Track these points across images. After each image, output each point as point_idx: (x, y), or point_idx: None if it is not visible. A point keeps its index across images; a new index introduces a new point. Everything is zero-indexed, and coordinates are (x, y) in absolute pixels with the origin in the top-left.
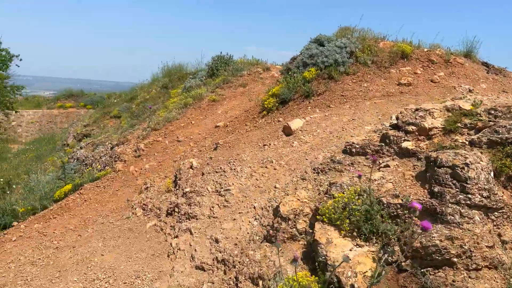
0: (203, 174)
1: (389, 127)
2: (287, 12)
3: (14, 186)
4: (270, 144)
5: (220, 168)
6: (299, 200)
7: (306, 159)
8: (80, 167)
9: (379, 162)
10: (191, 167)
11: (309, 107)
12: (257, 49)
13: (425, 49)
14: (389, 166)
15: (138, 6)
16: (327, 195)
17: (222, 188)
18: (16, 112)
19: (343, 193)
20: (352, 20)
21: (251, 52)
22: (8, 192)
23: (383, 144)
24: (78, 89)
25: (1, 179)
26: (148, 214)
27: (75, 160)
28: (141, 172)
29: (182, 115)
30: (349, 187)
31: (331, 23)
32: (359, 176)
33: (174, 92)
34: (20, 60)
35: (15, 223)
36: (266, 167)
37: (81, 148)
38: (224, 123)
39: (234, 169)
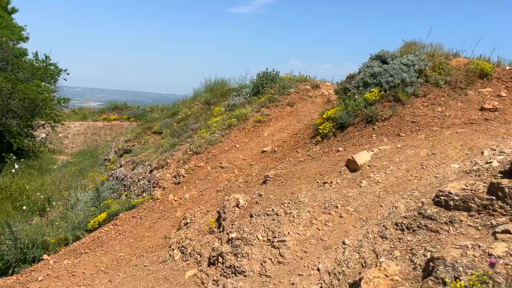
0: (251, 216)
1: (500, 175)
2: (325, 22)
3: (53, 204)
4: (331, 182)
5: (272, 210)
6: (387, 277)
7: (381, 206)
8: (118, 187)
9: (492, 223)
10: (237, 205)
11: (373, 135)
12: (300, 62)
13: (507, 67)
14: (510, 232)
15: (184, 22)
16: (432, 279)
17: (275, 237)
18: (62, 124)
19: (460, 281)
20: (395, 34)
21: (295, 66)
22: (48, 210)
23: (493, 197)
24: (122, 102)
25: (42, 196)
26: (187, 260)
27: (115, 178)
28: (181, 203)
29: (225, 138)
30: (467, 270)
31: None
32: (492, 265)
33: (217, 110)
34: (68, 74)
35: (45, 256)
36: (329, 213)
37: (121, 166)
38: (272, 148)
39: (290, 213)
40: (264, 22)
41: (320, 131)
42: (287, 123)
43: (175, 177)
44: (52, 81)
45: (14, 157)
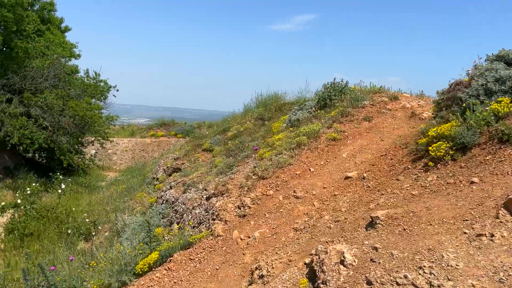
0: (369, 283)
1: None
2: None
3: (99, 227)
4: (492, 235)
5: (405, 278)
6: None
7: None
8: (168, 212)
9: None
10: (341, 262)
11: None
12: (346, 76)
13: None
14: None
15: (222, 41)
16: None
17: None
18: (111, 141)
19: None
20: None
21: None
22: (93, 234)
23: None
24: (170, 118)
25: (87, 219)
26: None
27: (164, 201)
28: (249, 243)
29: (295, 159)
30: None
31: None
32: None
33: (276, 126)
34: (117, 90)
35: None
36: None
37: (170, 187)
38: (358, 173)
39: (440, 286)
40: (305, 39)
41: (432, 154)
42: (367, 141)
43: (239, 208)
44: (102, 98)
45: (61, 176)
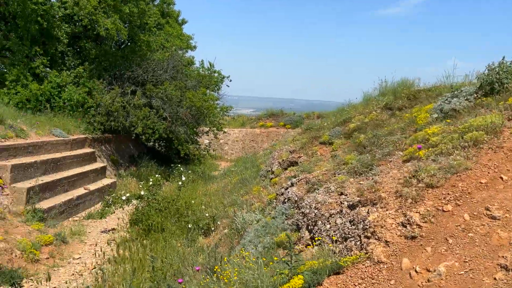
0: None
1: None
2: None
3: (219, 223)
4: None
5: None
6: None
7: None
8: (292, 212)
9: None
10: None
11: None
12: (463, 62)
13: None
14: None
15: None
16: None
17: None
18: (224, 132)
19: None
20: None
21: (460, 68)
22: (212, 229)
23: None
24: (277, 109)
25: (206, 213)
26: None
27: (286, 200)
28: (431, 280)
29: (473, 162)
30: None
31: None
32: None
33: (422, 117)
34: (230, 80)
35: None
36: None
37: (292, 184)
38: None
39: None
40: (414, 23)
41: None
42: None
43: (404, 226)
44: (216, 88)
45: (181, 168)
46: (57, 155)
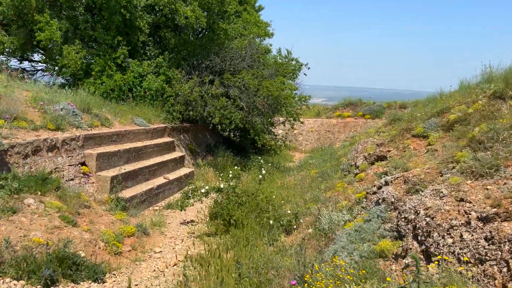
0: None
1: None
2: None
3: (301, 220)
4: None
5: None
6: None
7: None
8: (391, 216)
9: None
10: None
11: None
12: None
13: None
14: None
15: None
16: None
17: None
18: (301, 123)
19: None
20: None
21: None
22: (294, 227)
23: None
24: (356, 97)
25: (289, 210)
26: None
27: (381, 201)
28: None
29: None
30: None
31: None
32: None
33: None
34: (308, 68)
35: None
36: None
37: (386, 183)
38: None
39: None
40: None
41: None
42: None
43: None
44: (293, 76)
45: (261, 160)
46: (139, 144)
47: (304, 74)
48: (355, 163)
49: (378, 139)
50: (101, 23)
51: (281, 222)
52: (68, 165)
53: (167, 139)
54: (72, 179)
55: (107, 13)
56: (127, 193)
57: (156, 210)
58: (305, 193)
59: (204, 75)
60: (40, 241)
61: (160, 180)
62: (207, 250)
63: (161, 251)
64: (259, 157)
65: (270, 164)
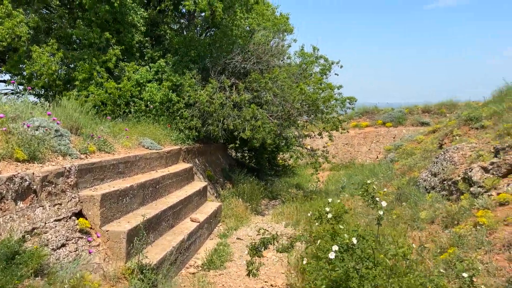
0: None
1: None
2: None
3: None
4: None
5: None
6: None
7: None
8: None
9: None
10: None
11: None
12: None
13: None
14: None
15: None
16: None
17: None
18: (347, 132)
19: None
20: None
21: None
22: None
23: None
24: (371, 104)
25: (442, 269)
26: None
27: None
28: None
29: None
30: None
31: None
32: None
33: None
34: (341, 67)
35: None
36: None
37: None
38: None
39: None
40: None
41: None
42: None
43: None
44: (324, 76)
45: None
46: (154, 174)
47: (336, 74)
48: (465, 178)
49: (482, 141)
50: (82, 19)
51: None
52: (55, 221)
53: (184, 165)
54: (63, 245)
55: (90, 1)
56: (151, 254)
57: (194, 273)
58: (413, 230)
59: (222, 79)
60: None
61: (187, 225)
62: None
63: None
64: (281, 179)
65: (300, 190)
